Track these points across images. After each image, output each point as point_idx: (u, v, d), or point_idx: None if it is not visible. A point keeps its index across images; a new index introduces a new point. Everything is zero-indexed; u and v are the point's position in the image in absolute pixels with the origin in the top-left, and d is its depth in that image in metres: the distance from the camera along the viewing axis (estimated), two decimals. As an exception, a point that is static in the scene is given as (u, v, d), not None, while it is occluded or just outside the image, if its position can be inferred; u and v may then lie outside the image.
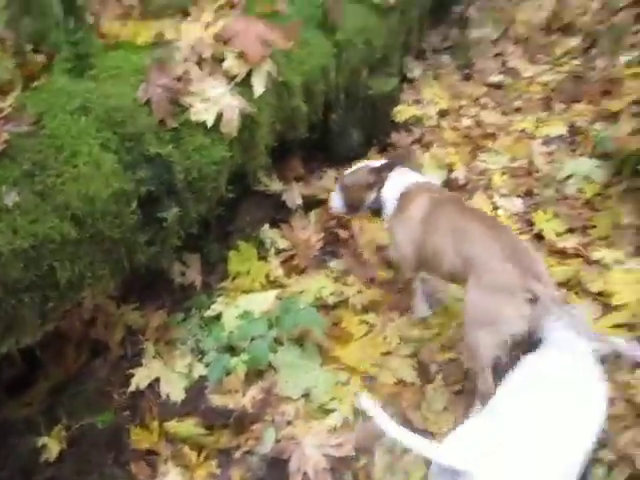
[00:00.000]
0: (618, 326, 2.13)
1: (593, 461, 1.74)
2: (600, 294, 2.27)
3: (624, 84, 3.73)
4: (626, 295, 2.23)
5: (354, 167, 2.31)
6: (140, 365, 2.01)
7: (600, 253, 2.47)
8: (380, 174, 2.19)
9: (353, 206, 2.30)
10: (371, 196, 2.22)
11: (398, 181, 2.18)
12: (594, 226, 2.70)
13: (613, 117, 3.39)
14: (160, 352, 2.05)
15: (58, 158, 1.45)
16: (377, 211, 2.26)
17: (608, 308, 2.21)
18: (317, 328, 1.96)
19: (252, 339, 1.94)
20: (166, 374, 1.99)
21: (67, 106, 1.54)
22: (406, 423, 1.87)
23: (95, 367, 2.00)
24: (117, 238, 1.58)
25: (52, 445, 1.68)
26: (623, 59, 3.98)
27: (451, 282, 2.07)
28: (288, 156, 2.87)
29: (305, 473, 1.76)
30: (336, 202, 2.32)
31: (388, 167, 2.19)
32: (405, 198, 2.12)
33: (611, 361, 2.03)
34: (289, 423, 1.90)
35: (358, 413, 1.90)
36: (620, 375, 1.98)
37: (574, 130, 3.54)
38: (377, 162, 2.28)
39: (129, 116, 1.62)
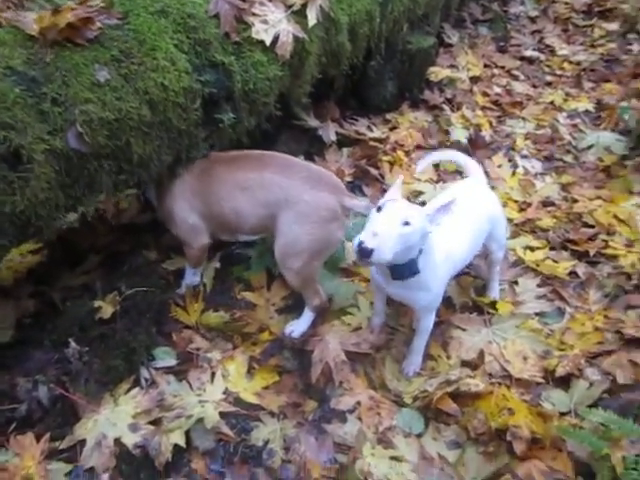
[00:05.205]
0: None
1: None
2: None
3: (657, 68, 3.87)
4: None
5: None
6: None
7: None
8: None
9: None
10: None
11: None
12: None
13: (640, 96, 3.54)
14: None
15: (140, 49, 1.66)
16: None
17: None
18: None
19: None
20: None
21: (149, 8, 1.74)
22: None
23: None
24: (182, 129, 1.80)
25: (106, 307, 1.92)
26: (659, 45, 4.12)
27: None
28: (324, 99, 3.06)
29: (326, 362, 1.98)
30: None
31: None
32: None
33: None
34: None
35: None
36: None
37: (601, 107, 3.69)
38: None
39: (200, 24, 1.83)
